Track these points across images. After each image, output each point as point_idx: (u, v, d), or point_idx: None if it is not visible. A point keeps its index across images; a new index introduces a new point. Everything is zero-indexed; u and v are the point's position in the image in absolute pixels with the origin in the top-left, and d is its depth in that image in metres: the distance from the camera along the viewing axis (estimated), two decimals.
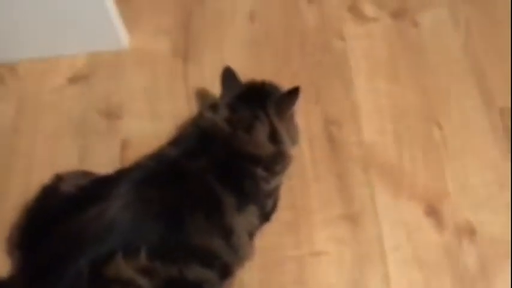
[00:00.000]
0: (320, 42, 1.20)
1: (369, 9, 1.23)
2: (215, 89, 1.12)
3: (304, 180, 1.03)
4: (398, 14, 1.22)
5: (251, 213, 0.89)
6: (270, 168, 0.91)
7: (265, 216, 0.94)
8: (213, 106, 0.94)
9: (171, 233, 0.80)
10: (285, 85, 1.03)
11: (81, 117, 1.12)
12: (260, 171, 0.89)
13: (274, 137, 0.90)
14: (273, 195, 0.95)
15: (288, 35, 1.22)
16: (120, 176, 0.87)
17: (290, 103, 0.91)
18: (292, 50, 1.20)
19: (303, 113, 1.06)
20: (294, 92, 0.91)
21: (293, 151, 0.95)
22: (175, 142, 0.94)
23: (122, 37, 1.20)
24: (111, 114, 1.12)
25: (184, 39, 1.22)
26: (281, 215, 0.97)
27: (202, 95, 1.14)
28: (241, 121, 0.89)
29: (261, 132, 0.89)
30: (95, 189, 0.86)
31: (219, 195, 0.85)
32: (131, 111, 1.13)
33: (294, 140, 0.95)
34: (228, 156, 0.88)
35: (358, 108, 1.10)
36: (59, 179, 0.91)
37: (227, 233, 0.85)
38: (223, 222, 0.85)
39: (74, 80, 1.17)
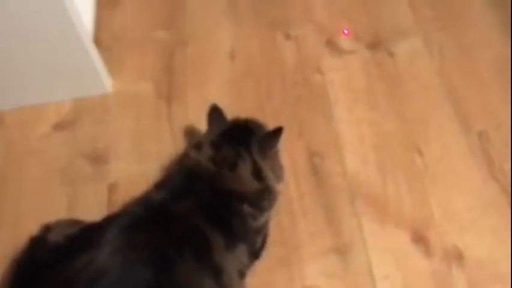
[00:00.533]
0: (300, 77, 1.23)
1: (344, 43, 1.26)
2: (200, 128, 1.14)
3: (292, 214, 1.04)
4: (373, 46, 1.26)
5: (241, 251, 0.89)
6: (257, 204, 0.92)
7: (255, 254, 0.95)
8: (198, 145, 0.95)
9: (161, 277, 0.80)
10: (268, 120, 1.05)
11: (67, 164, 1.13)
12: (247, 208, 0.90)
13: (258, 174, 0.92)
14: (262, 232, 0.96)
15: (268, 71, 1.25)
16: (107, 222, 0.87)
17: (273, 142, 0.93)
18: (273, 85, 1.22)
19: (287, 147, 1.07)
20: (276, 132, 0.93)
21: (279, 186, 0.97)
22: (161, 184, 0.95)
23: (105, 81, 1.22)
24: (98, 159, 1.13)
25: (167, 81, 1.24)
26: (271, 251, 0.98)
27: (187, 135, 1.15)
28: (225, 159, 0.91)
29: (245, 170, 0.91)
30: (83, 237, 0.86)
31: (207, 235, 0.85)
32: (118, 155, 1.14)
33: (279, 178, 0.96)
34: (214, 195, 0.89)
35: (340, 139, 1.12)
36: (46, 229, 0.91)
37: (217, 273, 0.85)
38: (212, 262, 0.85)
39: (59, 126, 1.19)
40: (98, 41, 1.27)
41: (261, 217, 0.93)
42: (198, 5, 1.37)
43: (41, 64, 1.15)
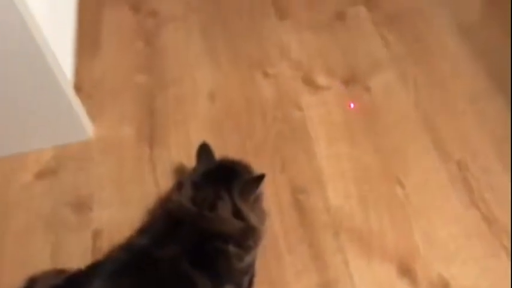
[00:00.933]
0: (279, 114, 1.25)
1: (321, 79, 1.29)
2: (183, 170, 1.15)
3: (278, 252, 1.04)
4: (349, 81, 1.29)
5: None
6: (241, 244, 0.92)
7: None
8: (179, 185, 0.96)
9: None
10: (250, 158, 1.07)
11: (51, 213, 1.12)
12: (232, 248, 0.90)
13: (238, 214, 0.92)
14: (249, 271, 0.96)
15: (248, 109, 1.27)
16: (92, 271, 0.87)
17: (253, 188, 0.93)
18: (254, 123, 1.24)
19: (270, 183, 1.09)
20: (257, 179, 0.93)
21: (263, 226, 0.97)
22: (144, 230, 0.95)
23: (87, 128, 1.22)
24: (81, 206, 1.13)
25: (149, 124, 1.25)
26: None
27: (170, 177, 1.15)
28: (205, 200, 0.91)
29: (224, 210, 0.91)
30: None
31: (194, 279, 0.85)
32: (101, 201, 1.13)
33: (261, 222, 0.96)
34: (198, 237, 0.89)
35: (322, 175, 1.14)
36: (32, 281, 0.90)
37: None
38: None
39: (41, 175, 1.18)
40: (78, 87, 1.29)
41: (247, 257, 0.93)
42: (176, 49, 1.39)
43: (22, 114, 1.15)
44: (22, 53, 1.04)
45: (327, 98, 1.26)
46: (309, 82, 1.29)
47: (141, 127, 1.24)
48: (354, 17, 1.41)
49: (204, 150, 0.99)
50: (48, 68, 1.08)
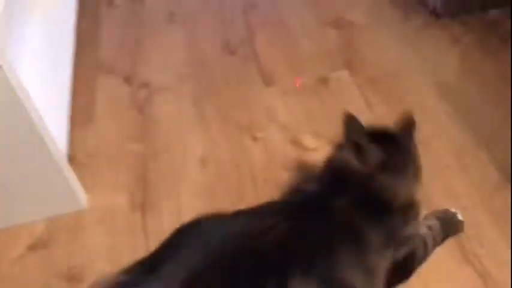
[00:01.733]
0: (269, 176, 1.27)
1: (308, 141, 1.33)
2: None
3: None
4: (336, 142, 1.32)
5: (387, 258, 0.86)
6: (405, 214, 0.89)
7: (399, 268, 0.90)
8: (338, 147, 0.95)
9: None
10: None
11: (43, 285, 1.11)
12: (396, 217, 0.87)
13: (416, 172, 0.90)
14: (406, 244, 0.92)
15: (238, 173, 1.29)
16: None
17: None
18: (245, 186, 1.26)
19: None
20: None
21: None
22: (312, 178, 0.91)
23: (80, 198, 1.24)
24: (73, 278, 1.12)
25: (141, 192, 1.27)
26: None
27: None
28: (375, 159, 0.88)
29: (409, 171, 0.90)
30: None
31: (364, 233, 0.82)
32: (93, 272, 1.12)
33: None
34: (365, 195, 0.85)
35: None
36: None
37: (369, 272, 0.82)
38: (366, 260, 0.82)
39: (33, 247, 1.18)
40: (72, 158, 1.31)
41: (409, 227, 0.91)
42: (168, 117, 1.44)
43: (14, 186, 1.17)
44: (14, 125, 1.06)
45: (314, 159, 1.29)
46: (297, 144, 1.33)
47: (134, 195, 1.26)
48: (336, 80, 1.47)
49: (350, 120, 0.96)
50: (41, 140, 1.10)
